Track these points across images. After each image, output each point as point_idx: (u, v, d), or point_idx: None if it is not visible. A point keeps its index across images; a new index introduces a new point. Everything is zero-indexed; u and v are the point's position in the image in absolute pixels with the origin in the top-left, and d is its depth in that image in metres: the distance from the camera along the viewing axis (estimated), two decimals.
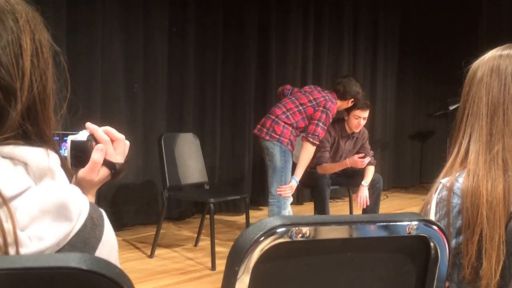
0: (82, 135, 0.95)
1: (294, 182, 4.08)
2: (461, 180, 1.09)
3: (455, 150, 1.14)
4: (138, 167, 4.89)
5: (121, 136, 0.97)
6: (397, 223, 0.82)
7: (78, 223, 0.72)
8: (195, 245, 4.40)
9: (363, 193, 4.33)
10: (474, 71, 1.16)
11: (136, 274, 3.56)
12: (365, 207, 4.35)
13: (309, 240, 0.78)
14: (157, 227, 4.08)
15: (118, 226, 4.66)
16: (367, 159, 4.31)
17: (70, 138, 0.95)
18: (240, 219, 5.41)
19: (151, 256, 4.04)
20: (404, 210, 6.30)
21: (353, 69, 7.14)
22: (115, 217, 4.56)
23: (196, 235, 4.46)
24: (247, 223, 4.25)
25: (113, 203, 4.70)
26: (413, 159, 8.08)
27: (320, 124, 4.06)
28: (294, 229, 0.77)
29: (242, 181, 5.81)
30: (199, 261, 3.96)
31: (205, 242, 4.38)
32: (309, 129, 4.10)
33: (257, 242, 0.77)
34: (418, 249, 0.85)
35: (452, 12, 7.51)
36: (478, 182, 1.05)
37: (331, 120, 4.17)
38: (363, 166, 4.31)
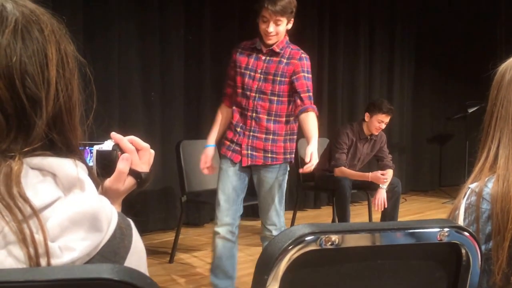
0: (107, 145, 0.95)
1: None
2: (490, 185, 1.06)
3: (484, 154, 1.12)
4: (156, 173, 4.91)
5: (146, 145, 0.98)
6: (428, 230, 0.81)
7: (107, 233, 0.73)
8: None
9: (381, 195, 4.29)
10: (501, 74, 1.13)
11: (155, 280, 3.53)
12: (382, 209, 4.31)
13: (338, 248, 0.77)
14: (176, 232, 4.09)
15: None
16: (389, 177, 4.34)
17: (95, 148, 0.95)
18: (258, 223, 5.37)
19: (170, 261, 4.05)
20: (423, 214, 6.23)
21: (370, 71, 7.10)
22: (133, 223, 4.58)
23: None
24: None
25: (131, 209, 4.70)
26: (432, 162, 7.99)
27: None
28: (324, 237, 0.76)
29: None
30: None
31: None
32: None
33: (286, 251, 0.76)
34: (449, 256, 0.84)
35: (470, 12, 7.44)
36: (509, 187, 1.03)
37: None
38: (384, 183, 4.28)
